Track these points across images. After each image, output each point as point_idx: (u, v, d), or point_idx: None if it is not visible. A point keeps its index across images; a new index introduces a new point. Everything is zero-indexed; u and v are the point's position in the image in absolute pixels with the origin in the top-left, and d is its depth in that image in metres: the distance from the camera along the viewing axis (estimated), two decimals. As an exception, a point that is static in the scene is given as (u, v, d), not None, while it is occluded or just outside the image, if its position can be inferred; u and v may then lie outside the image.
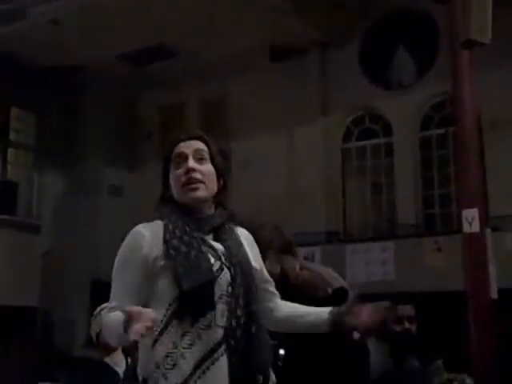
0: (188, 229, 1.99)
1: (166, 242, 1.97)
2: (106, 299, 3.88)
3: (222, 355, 1.89)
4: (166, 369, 1.88)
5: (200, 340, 1.89)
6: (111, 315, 1.91)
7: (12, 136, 12.24)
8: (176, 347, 1.89)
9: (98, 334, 3.72)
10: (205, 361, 1.88)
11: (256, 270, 2.10)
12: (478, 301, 5.48)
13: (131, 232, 2.05)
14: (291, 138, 11.09)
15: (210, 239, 2.05)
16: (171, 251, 1.95)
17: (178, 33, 10.37)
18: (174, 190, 2.07)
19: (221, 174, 2.12)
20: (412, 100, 10.44)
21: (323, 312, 2.15)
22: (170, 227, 2.00)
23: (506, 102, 9.30)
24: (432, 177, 10.42)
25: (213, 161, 2.11)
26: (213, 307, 1.92)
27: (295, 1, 9.61)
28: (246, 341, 1.93)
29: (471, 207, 5.63)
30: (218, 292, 1.94)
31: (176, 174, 2.06)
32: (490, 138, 9.02)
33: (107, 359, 3.70)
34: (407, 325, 3.80)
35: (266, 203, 9.62)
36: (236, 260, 2.01)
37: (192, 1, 9.35)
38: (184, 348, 1.88)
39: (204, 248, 1.99)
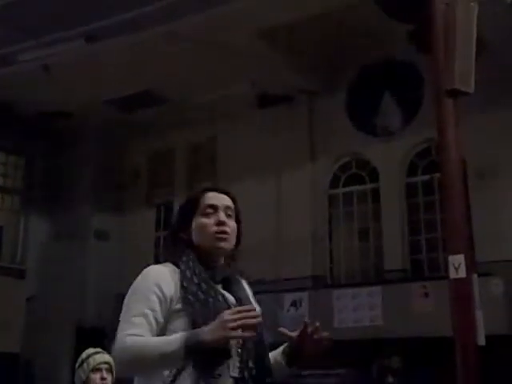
0: (204, 276, 2.04)
1: (183, 286, 2.00)
2: (91, 345, 3.84)
3: None
4: None
5: None
6: (149, 339, 1.90)
7: (-1, 181, 12.23)
8: None
9: (84, 381, 3.65)
10: None
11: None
12: (465, 347, 5.46)
13: (150, 268, 2.09)
14: (279, 183, 11.15)
15: (220, 289, 2.09)
16: (189, 296, 1.98)
17: (165, 79, 10.50)
18: (200, 237, 2.13)
19: (240, 231, 2.21)
20: (398, 146, 10.57)
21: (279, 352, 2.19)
22: (188, 273, 2.04)
23: (490, 149, 9.44)
24: (419, 222, 10.47)
25: (237, 218, 2.21)
26: (229, 356, 1.93)
27: (282, 50, 9.78)
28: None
29: (458, 253, 5.66)
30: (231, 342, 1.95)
31: (205, 223, 2.13)
32: (475, 184, 9.13)
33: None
34: (390, 379, 3.77)
35: (253, 248, 9.60)
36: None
37: (179, 49, 9.48)
38: None
39: (220, 297, 2.03)
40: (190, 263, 2.07)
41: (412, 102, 10.50)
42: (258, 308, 2.10)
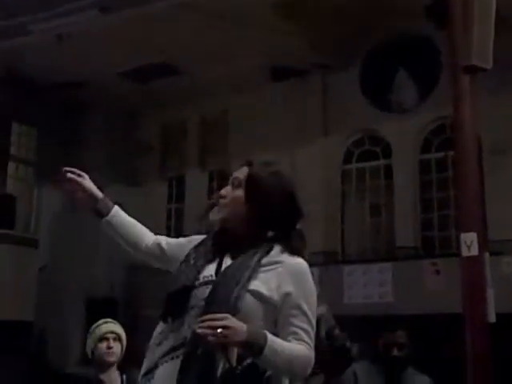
0: (210, 243, 2.14)
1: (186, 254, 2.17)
2: (102, 316, 3.88)
3: (172, 359, 1.97)
4: (144, 358, 2.06)
5: (166, 340, 2.02)
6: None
7: (13, 150, 12.27)
8: (153, 342, 2.06)
9: (93, 351, 3.70)
10: (163, 357, 1.99)
11: (259, 293, 1.98)
12: (475, 324, 5.46)
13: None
14: (291, 158, 11.11)
15: (228, 258, 2.09)
16: (185, 258, 2.14)
17: (180, 51, 10.43)
18: None
19: (257, 209, 2.11)
20: (412, 123, 10.49)
21: None
22: (196, 249, 2.16)
23: (506, 127, 9.34)
24: (431, 199, 10.43)
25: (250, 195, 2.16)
26: (181, 314, 2.00)
27: (296, 23, 9.68)
28: (204, 354, 1.90)
29: (470, 231, 5.64)
30: (192, 302, 2.00)
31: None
32: (489, 163, 9.06)
33: (103, 376, 3.68)
34: (396, 352, 3.76)
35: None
36: (221, 279, 1.99)
37: (193, 20, 9.43)
38: (156, 344, 2.04)
39: (209, 260, 2.08)
40: (207, 241, 2.18)
41: (428, 79, 10.38)
42: (238, 279, 1.96)
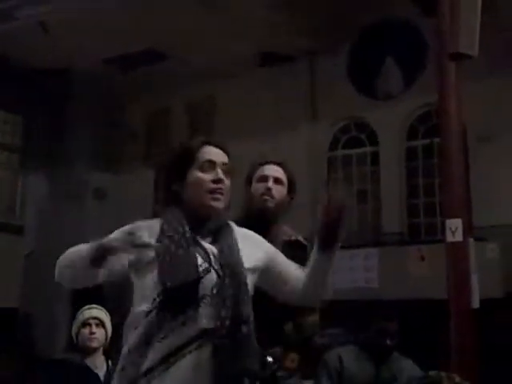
0: (181, 229, 2.02)
1: (158, 240, 2.01)
2: (88, 302, 3.89)
3: (189, 353, 1.91)
4: (136, 357, 1.91)
5: (173, 335, 1.91)
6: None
7: (-2, 137, 12.19)
8: (154, 337, 1.92)
9: (77, 336, 3.72)
10: (171, 356, 1.90)
11: (255, 267, 2.13)
12: (459, 309, 5.52)
13: (137, 223, 2.12)
14: (277, 144, 11.10)
15: (207, 242, 2.07)
16: (161, 250, 1.99)
17: (166, 37, 10.37)
18: (194, 192, 2.10)
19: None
20: (398, 110, 10.51)
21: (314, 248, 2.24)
22: (165, 226, 2.04)
23: (491, 114, 9.39)
24: (417, 186, 10.49)
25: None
26: (195, 306, 1.93)
27: (283, 9, 9.64)
28: (233, 343, 1.93)
29: (455, 217, 5.69)
30: (201, 292, 1.96)
31: (202, 179, 2.10)
32: (474, 149, 9.12)
33: (88, 361, 3.69)
34: (389, 341, 3.80)
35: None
36: (226, 262, 2.02)
37: (180, 6, 9.36)
38: (158, 341, 1.91)
39: (193, 248, 2.01)
40: (170, 216, 2.07)
41: (414, 66, 10.39)
42: (241, 258, 2.08)
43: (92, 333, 3.69)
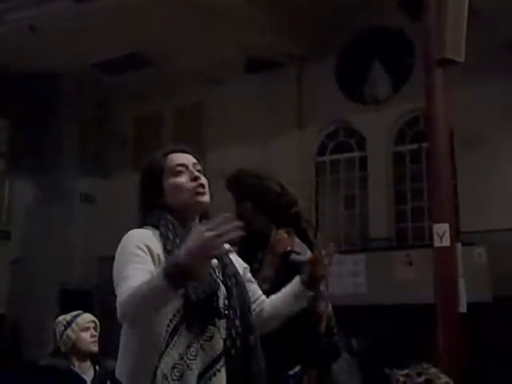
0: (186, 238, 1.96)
1: (166, 249, 1.95)
2: (75, 308, 3.86)
3: (222, 366, 1.91)
4: (173, 380, 1.86)
5: (203, 351, 1.90)
6: (138, 283, 1.80)
7: (-17, 142, 12.12)
8: (182, 358, 1.87)
9: (74, 342, 3.67)
10: (207, 372, 1.89)
11: (248, 278, 2.19)
12: (447, 314, 5.54)
13: (134, 231, 2.03)
14: (265, 149, 11.12)
15: None
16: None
17: (153, 42, 10.37)
18: (176, 196, 2.08)
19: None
20: (386, 115, 10.55)
21: (293, 281, 2.24)
22: (170, 235, 1.99)
23: (478, 120, 9.44)
24: (405, 191, 10.52)
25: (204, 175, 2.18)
26: (220, 317, 1.94)
27: (271, 14, 9.66)
28: (245, 351, 1.96)
29: (442, 222, 5.71)
30: (219, 304, 1.96)
31: (180, 181, 2.09)
32: (461, 155, 9.17)
33: (75, 367, 3.66)
34: (382, 345, 3.81)
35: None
36: (231, 272, 2.05)
37: (167, 11, 9.36)
38: (189, 359, 1.88)
39: None
40: (170, 225, 2.02)
41: (401, 71, 10.45)
42: (234, 264, 2.11)
43: (93, 336, 3.68)
